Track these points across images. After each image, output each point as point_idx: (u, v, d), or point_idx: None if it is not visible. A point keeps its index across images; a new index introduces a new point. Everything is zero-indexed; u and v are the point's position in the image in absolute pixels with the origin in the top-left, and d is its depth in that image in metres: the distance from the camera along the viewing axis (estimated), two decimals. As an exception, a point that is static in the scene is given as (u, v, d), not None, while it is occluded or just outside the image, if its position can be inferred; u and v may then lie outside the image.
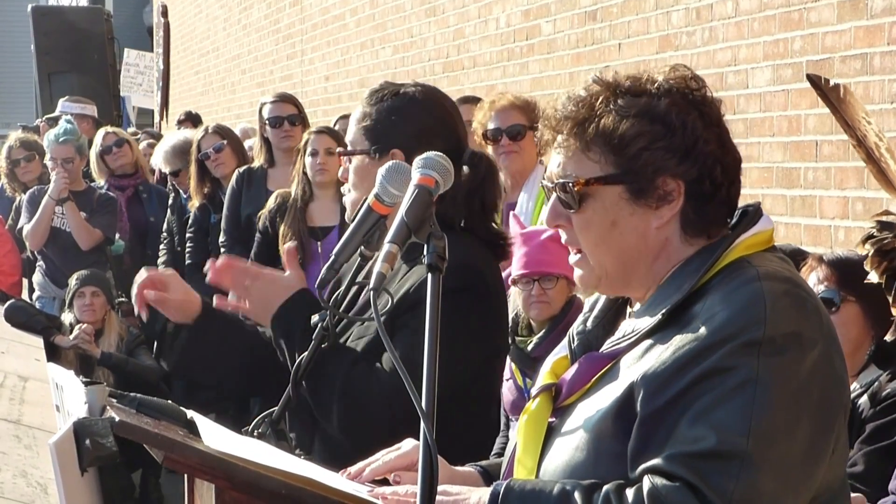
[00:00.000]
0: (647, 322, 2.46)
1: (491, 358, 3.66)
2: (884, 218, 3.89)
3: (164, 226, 9.57)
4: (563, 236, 2.60)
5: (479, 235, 3.64)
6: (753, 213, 2.54)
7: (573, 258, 2.60)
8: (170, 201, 9.57)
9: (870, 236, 3.80)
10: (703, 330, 2.35)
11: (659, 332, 2.44)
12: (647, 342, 2.45)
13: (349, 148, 3.69)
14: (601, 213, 2.52)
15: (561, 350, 2.70)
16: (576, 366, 2.57)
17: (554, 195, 2.57)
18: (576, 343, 2.67)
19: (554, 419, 2.56)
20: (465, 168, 3.63)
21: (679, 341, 2.37)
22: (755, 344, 2.32)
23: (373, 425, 3.32)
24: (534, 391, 2.63)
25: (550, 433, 2.54)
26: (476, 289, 3.47)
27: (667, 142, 2.48)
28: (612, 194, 2.50)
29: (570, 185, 2.52)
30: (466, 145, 3.75)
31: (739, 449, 2.27)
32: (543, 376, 2.65)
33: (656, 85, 2.53)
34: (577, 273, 2.60)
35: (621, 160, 2.49)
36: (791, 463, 2.33)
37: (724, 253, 2.48)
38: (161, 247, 9.53)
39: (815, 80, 4.02)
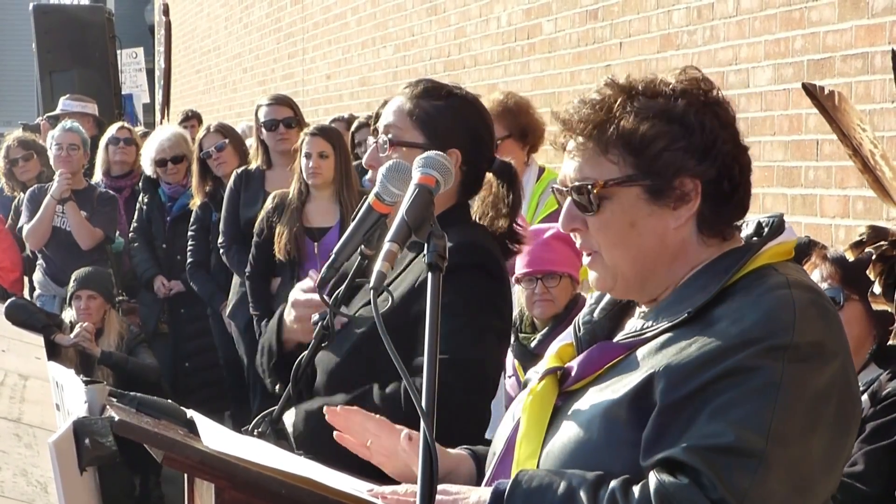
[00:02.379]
0: (669, 318, 2.47)
1: (500, 342, 3.68)
2: (876, 223, 3.89)
3: (135, 224, 9.47)
4: (578, 240, 2.60)
5: (500, 236, 3.66)
6: (778, 224, 2.56)
7: (586, 260, 2.60)
8: (146, 199, 9.44)
9: (861, 242, 3.80)
10: (730, 330, 2.36)
11: (679, 329, 2.45)
12: (666, 336, 2.45)
13: (392, 137, 3.61)
14: (619, 215, 2.52)
15: (566, 337, 2.71)
16: (587, 352, 2.58)
17: (569, 199, 2.57)
18: (582, 332, 2.68)
19: (560, 402, 2.55)
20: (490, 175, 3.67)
21: (705, 338, 2.38)
22: (781, 348, 2.33)
23: None
24: (539, 372, 2.63)
25: (556, 414, 2.54)
26: (486, 267, 3.49)
27: (686, 142, 2.49)
28: (631, 195, 2.51)
29: (589, 187, 2.52)
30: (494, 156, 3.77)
31: (758, 448, 2.28)
32: (549, 359, 2.65)
33: (670, 87, 2.54)
34: (593, 275, 2.60)
35: (641, 161, 2.50)
36: (805, 469, 2.34)
37: (752, 258, 2.49)
38: (132, 247, 9.45)
39: (809, 89, 4.03)
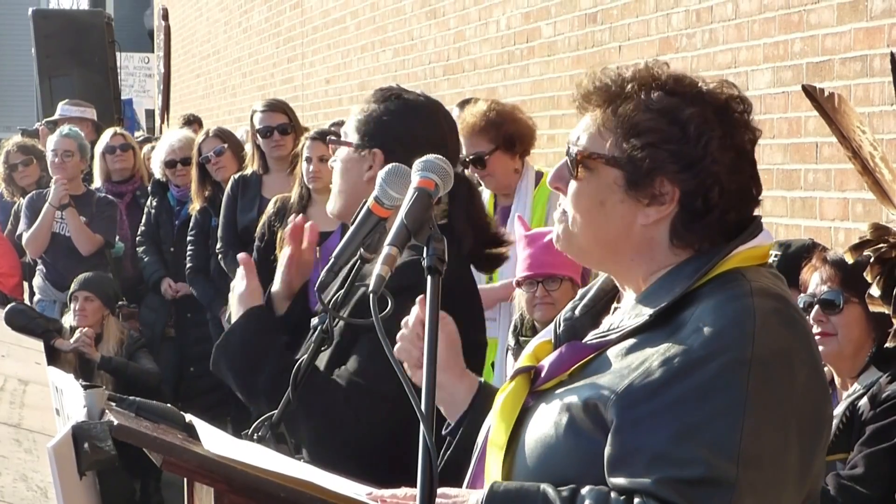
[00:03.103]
0: (634, 320, 2.46)
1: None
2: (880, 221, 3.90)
3: (143, 228, 9.47)
4: (561, 198, 2.61)
5: (477, 252, 3.65)
6: (754, 227, 2.53)
7: (557, 213, 2.60)
8: (155, 202, 9.45)
9: (861, 244, 3.81)
10: (690, 341, 2.34)
11: (645, 332, 2.43)
12: (633, 340, 2.44)
13: (338, 138, 3.75)
14: (594, 189, 2.52)
15: (546, 334, 2.70)
16: (557, 352, 2.57)
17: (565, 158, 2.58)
18: (561, 328, 2.67)
19: (531, 401, 2.55)
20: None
21: (665, 350, 2.35)
22: (744, 362, 2.31)
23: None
24: (512, 371, 2.62)
25: (525, 413, 2.53)
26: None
27: (676, 147, 2.47)
28: (609, 175, 2.51)
29: (575, 152, 2.53)
30: (455, 163, 3.75)
31: (729, 475, 2.26)
32: (524, 358, 2.65)
33: (695, 90, 2.52)
34: (559, 228, 2.60)
35: (628, 147, 2.49)
36: (779, 486, 2.33)
37: (720, 261, 2.46)
38: (140, 251, 9.45)
39: (809, 91, 4.03)
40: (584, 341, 2.56)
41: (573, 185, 2.55)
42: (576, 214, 2.55)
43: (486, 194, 6.65)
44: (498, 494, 2.40)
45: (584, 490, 2.33)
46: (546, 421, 2.46)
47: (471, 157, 6.40)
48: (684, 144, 2.47)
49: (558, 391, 2.49)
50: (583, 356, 2.50)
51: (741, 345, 2.31)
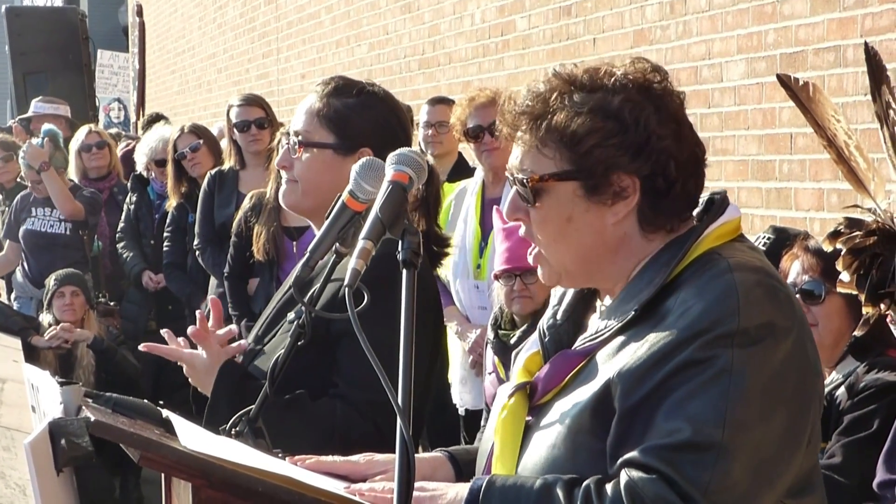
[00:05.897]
0: (620, 318, 2.46)
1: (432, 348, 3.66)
2: (851, 214, 3.90)
3: (122, 224, 9.45)
4: (522, 229, 2.60)
5: (427, 241, 3.66)
6: (720, 203, 2.54)
7: (532, 253, 2.59)
8: (134, 198, 9.44)
9: (837, 233, 3.81)
10: (677, 324, 2.36)
11: (632, 328, 2.44)
12: (621, 338, 2.45)
13: (301, 138, 3.66)
14: (556, 209, 2.51)
15: (533, 346, 2.70)
16: (549, 364, 2.57)
17: (513, 189, 2.57)
18: (547, 338, 2.67)
19: (531, 417, 2.55)
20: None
21: (654, 337, 2.37)
22: (729, 335, 2.33)
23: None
24: (508, 389, 2.62)
25: (527, 431, 2.53)
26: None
27: (619, 139, 2.47)
28: (567, 191, 2.50)
29: (526, 180, 2.52)
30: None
31: (714, 439, 2.28)
32: (517, 374, 2.65)
33: (613, 80, 2.52)
34: (539, 270, 2.60)
35: (575, 157, 2.48)
36: (766, 452, 2.34)
37: (693, 245, 2.48)
38: (120, 247, 9.43)
39: (784, 80, 4.04)
40: (573, 348, 2.57)
41: (534, 213, 2.54)
42: (549, 242, 2.54)
43: (475, 185, 6.64)
44: (494, 486, 2.41)
45: (586, 480, 2.35)
46: (547, 436, 2.47)
47: (488, 125, 6.40)
48: (626, 133, 2.47)
49: (556, 403, 2.50)
50: (574, 364, 2.51)
51: (727, 321, 2.34)
